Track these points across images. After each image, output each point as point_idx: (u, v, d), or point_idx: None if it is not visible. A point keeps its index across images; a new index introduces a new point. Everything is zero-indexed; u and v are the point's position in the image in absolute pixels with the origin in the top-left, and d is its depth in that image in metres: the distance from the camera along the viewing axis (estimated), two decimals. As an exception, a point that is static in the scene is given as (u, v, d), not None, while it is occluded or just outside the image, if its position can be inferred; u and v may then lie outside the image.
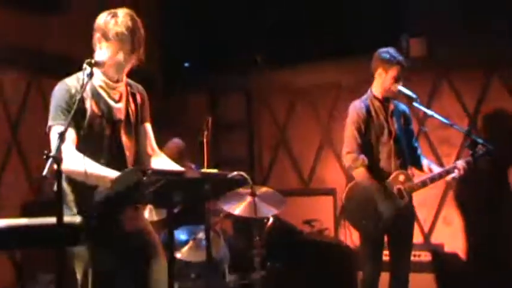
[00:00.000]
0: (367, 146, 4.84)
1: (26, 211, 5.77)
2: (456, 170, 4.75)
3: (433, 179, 4.82)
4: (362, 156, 4.79)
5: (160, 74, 7.72)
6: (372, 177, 4.77)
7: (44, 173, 2.57)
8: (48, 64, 6.14)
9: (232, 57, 7.48)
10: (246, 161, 7.67)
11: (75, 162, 3.06)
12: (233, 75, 7.62)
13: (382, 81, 4.87)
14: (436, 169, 4.92)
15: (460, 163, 4.77)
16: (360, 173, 4.80)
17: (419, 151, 5.11)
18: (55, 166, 2.67)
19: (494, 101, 6.60)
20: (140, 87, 3.56)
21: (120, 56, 3.28)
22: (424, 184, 4.82)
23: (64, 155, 2.75)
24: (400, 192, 4.80)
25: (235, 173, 3.08)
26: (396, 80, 4.83)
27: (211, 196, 3.37)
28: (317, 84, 7.31)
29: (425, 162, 5.06)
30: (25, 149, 6.19)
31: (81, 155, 3.10)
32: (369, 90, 4.97)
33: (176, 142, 6.16)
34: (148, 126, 3.56)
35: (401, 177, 4.83)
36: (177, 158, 5.66)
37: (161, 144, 5.59)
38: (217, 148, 7.71)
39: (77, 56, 3.39)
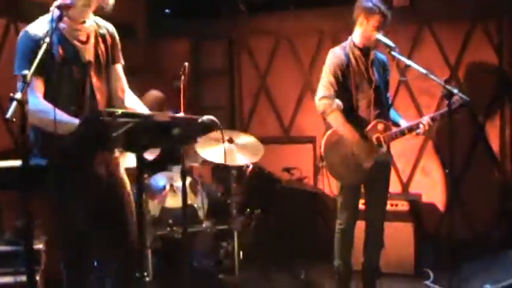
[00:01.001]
0: (346, 94, 4.80)
1: (4, 158, 5.74)
2: (421, 125, 4.76)
3: (410, 129, 4.82)
4: (337, 101, 4.74)
5: (142, 20, 7.61)
6: (347, 122, 4.77)
7: (8, 115, 2.54)
8: (26, 9, 6.04)
9: (215, 4, 7.40)
10: (227, 108, 7.65)
11: (42, 110, 3.04)
12: (215, 22, 7.55)
13: (363, 30, 4.82)
14: (403, 124, 4.91)
15: (426, 119, 4.77)
16: (335, 118, 4.75)
17: (389, 102, 5.10)
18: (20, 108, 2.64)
19: (476, 53, 6.60)
20: (110, 26, 3.51)
21: (74, 2, 3.20)
22: (402, 133, 4.82)
23: (31, 105, 2.74)
24: (379, 141, 4.80)
25: (205, 117, 3.07)
26: (377, 29, 4.78)
27: (182, 141, 3.35)
28: (299, 31, 7.25)
29: (394, 115, 5.05)
30: (2, 95, 6.12)
31: (47, 103, 3.08)
32: (349, 38, 4.93)
33: (155, 94, 6.09)
34: (119, 67, 3.53)
35: (380, 126, 4.82)
36: (156, 109, 5.65)
37: (142, 93, 5.58)
38: (198, 95, 7.70)
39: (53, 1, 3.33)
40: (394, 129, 4.84)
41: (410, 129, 4.82)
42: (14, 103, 2.58)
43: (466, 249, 5.85)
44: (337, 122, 4.77)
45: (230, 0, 7.36)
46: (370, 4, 4.78)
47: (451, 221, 5.37)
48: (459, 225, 6.22)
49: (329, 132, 4.85)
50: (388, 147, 4.88)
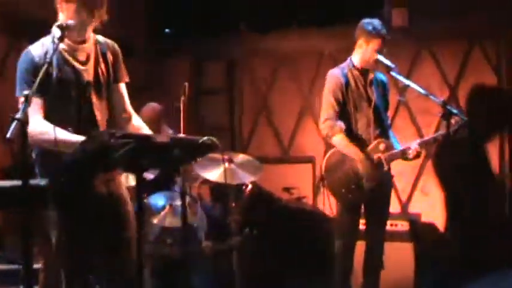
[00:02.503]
0: (345, 115, 4.83)
1: (4, 176, 5.75)
2: (410, 151, 4.78)
3: (403, 152, 4.83)
4: (339, 123, 4.78)
5: (142, 40, 7.65)
6: (351, 142, 4.78)
7: (8, 135, 2.55)
8: (28, 27, 6.07)
9: (215, 24, 7.44)
10: (226, 128, 7.66)
11: (43, 130, 3.05)
12: (216, 42, 7.58)
13: (362, 52, 4.86)
14: (397, 147, 4.92)
15: (414, 145, 4.79)
16: (338, 140, 4.79)
17: (387, 123, 5.11)
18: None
19: (475, 72, 6.64)
20: (112, 44, 3.47)
21: (82, 16, 3.21)
22: (404, 153, 4.83)
23: (31, 125, 2.75)
24: (380, 161, 4.81)
25: (205, 138, 3.08)
26: (377, 52, 4.81)
27: (182, 161, 3.36)
28: (299, 51, 7.29)
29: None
30: (3, 114, 6.15)
31: (48, 123, 3.09)
32: (348, 59, 4.96)
33: (153, 106, 6.10)
34: (122, 87, 3.49)
35: (382, 146, 4.83)
36: (154, 122, 5.65)
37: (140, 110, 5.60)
38: (198, 115, 7.71)
39: (55, 19, 3.33)
40: (396, 150, 4.85)
41: (403, 153, 4.83)
42: (15, 123, 2.59)
43: (467, 269, 5.83)
44: (341, 144, 4.80)
45: (231, 19, 7.40)
46: (370, 27, 4.81)
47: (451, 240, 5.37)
48: (459, 244, 6.20)
49: (330, 152, 4.87)
50: (389, 167, 4.89)
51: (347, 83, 4.84)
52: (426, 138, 4.85)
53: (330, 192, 4.90)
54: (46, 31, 3.37)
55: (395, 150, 4.83)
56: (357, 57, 4.91)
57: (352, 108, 4.84)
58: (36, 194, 2.69)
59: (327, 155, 4.91)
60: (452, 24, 6.56)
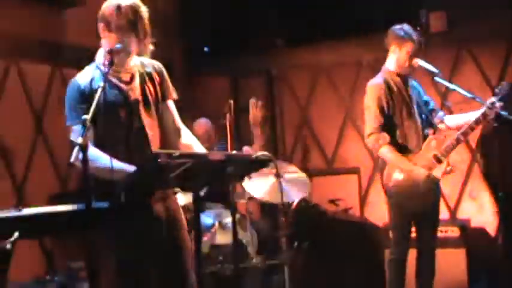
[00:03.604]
0: (391, 122, 4.81)
1: (53, 202, 5.83)
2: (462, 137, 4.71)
3: (465, 134, 4.75)
4: (383, 134, 4.75)
5: (181, 59, 7.73)
6: (398, 152, 4.75)
7: (72, 159, 2.59)
8: (70, 55, 6.20)
9: (253, 39, 7.47)
10: (269, 143, 7.67)
11: (93, 159, 3.08)
12: (253, 58, 7.62)
13: (396, 58, 4.84)
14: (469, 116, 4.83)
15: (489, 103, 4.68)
16: (385, 153, 4.77)
17: (432, 105, 5.05)
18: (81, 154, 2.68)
19: (517, 73, 6.56)
20: (157, 64, 3.51)
21: (125, 46, 3.26)
22: (458, 141, 4.76)
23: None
24: (437, 158, 4.75)
25: (259, 153, 3.09)
26: (411, 56, 4.79)
27: (236, 177, 3.38)
28: (338, 62, 7.30)
29: (449, 119, 5.00)
30: (50, 140, 6.26)
31: (98, 151, 3.14)
32: (383, 67, 4.94)
33: (203, 123, 6.18)
34: (170, 104, 3.52)
35: (434, 143, 4.80)
36: (204, 139, 5.71)
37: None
38: (240, 131, 7.74)
39: (96, 46, 3.40)
40: (449, 140, 4.78)
41: (466, 134, 4.73)
42: (76, 148, 2.63)
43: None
44: (388, 155, 4.78)
45: (267, 35, 7.43)
46: (401, 32, 4.81)
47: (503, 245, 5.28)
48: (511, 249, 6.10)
49: (398, 180, 4.79)
50: (448, 162, 4.80)
51: (390, 90, 4.82)
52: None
53: (389, 203, 4.85)
54: (88, 58, 3.45)
55: (448, 142, 4.77)
56: (392, 63, 4.89)
57: (398, 115, 4.81)
58: (99, 217, 2.72)
59: (387, 167, 4.83)
60: (491, 25, 6.49)
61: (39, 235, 3.95)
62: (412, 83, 4.98)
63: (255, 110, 5.76)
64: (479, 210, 6.69)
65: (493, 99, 4.66)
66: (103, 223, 2.87)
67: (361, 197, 7.10)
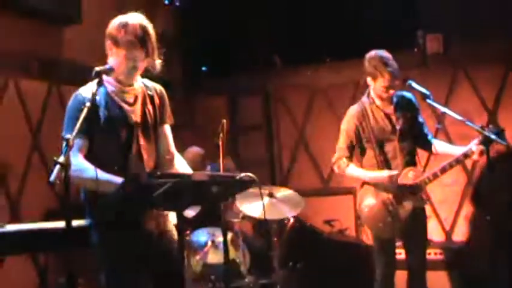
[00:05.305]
0: (369, 151, 4.83)
1: (50, 218, 5.84)
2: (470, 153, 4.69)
3: (443, 170, 4.75)
4: (343, 159, 4.82)
5: (180, 79, 7.77)
6: (363, 167, 4.80)
7: (51, 178, 2.61)
8: (67, 72, 6.26)
9: (250, 60, 7.52)
10: (266, 162, 7.69)
11: (81, 168, 3.11)
12: (250, 77, 7.66)
13: (373, 89, 4.82)
14: (456, 151, 4.81)
15: (473, 147, 4.68)
16: (351, 171, 4.82)
17: (429, 136, 5.02)
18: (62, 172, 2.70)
19: (513, 95, 6.56)
20: (159, 87, 3.56)
21: (132, 63, 3.31)
22: (435, 176, 4.76)
23: (72, 166, 2.80)
24: (412, 190, 4.76)
25: (243, 174, 3.10)
26: (387, 88, 4.72)
27: (221, 198, 3.39)
28: (334, 83, 7.33)
29: (438, 144, 4.97)
30: (47, 156, 6.28)
31: (86, 162, 3.15)
32: (366, 93, 4.92)
33: (194, 151, 6.19)
34: (167, 128, 3.57)
35: (411, 174, 4.78)
36: (197, 165, 5.73)
37: (180, 150, 5.68)
38: (237, 150, 7.76)
39: (93, 63, 3.41)
40: (426, 174, 4.79)
41: (443, 171, 4.73)
42: (57, 166, 2.65)
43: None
44: (355, 172, 4.83)
45: (264, 54, 7.47)
46: (373, 65, 4.73)
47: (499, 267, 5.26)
48: (506, 272, 6.08)
49: (361, 190, 4.87)
50: (421, 196, 4.82)
51: (364, 121, 4.80)
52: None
53: (366, 227, 4.90)
54: (85, 76, 3.48)
55: (425, 176, 4.76)
56: (372, 92, 4.87)
57: (374, 143, 4.79)
58: (80, 235, 2.74)
59: (360, 192, 4.90)
60: (488, 47, 6.51)
61: (23, 251, 3.94)
62: (403, 96, 4.93)
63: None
64: (475, 233, 6.66)
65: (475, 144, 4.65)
66: (86, 241, 2.88)
67: (356, 217, 7.07)
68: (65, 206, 2.64)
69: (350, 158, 4.85)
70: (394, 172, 4.71)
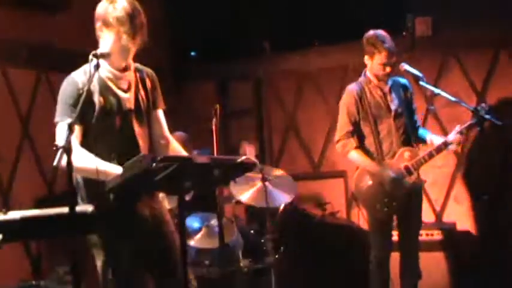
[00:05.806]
0: (364, 129, 4.89)
1: (40, 205, 5.81)
2: (450, 146, 4.76)
3: (439, 150, 4.81)
4: (350, 140, 4.86)
5: (168, 64, 7.74)
6: (367, 156, 4.84)
7: (55, 163, 2.60)
8: (56, 59, 6.21)
9: (239, 45, 7.49)
10: (256, 147, 7.68)
11: (80, 159, 3.09)
12: (240, 63, 7.64)
13: (370, 67, 4.90)
14: (434, 139, 4.89)
15: (452, 136, 4.76)
16: (354, 156, 4.89)
17: (417, 125, 5.10)
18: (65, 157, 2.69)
19: (502, 78, 6.58)
20: (150, 71, 3.55)
21: (124, 41, 3.28)
22: (430, 156, 4.82)
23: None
24: (408, 169, 4.81)
25: (244, 157, 3.11)
26: (385, 64, 4.81)
27: (221, 181, 3.40)
28: (324, 67, 7.32)
29: (425, 135, 5.03)
30: (37, 144, 6.25)
31: (86, 151, 3.14)
32: (363, 73, 4.99)
33: (178, 135, 6.16)
34: (160, 113, 3.56)
35: (407, 154, 4.85)
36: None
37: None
38: (227, 135, 7.75)
39: (83, 50, 3.36)
40: (422, 154, 4.83)
41: (439, 150, 4.80)
42: (60, 151, 2.63)
43: (508, 278, 5.78)
44: (357, 159, 4.88)
45: (254, 39, 7.45)
46: (371, 42, 4.83)
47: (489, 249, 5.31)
48: (497, 252, 6.15)
49: (358, 171, 4.92)
50: (418, 174, 4.88)
51: (362, 98, 4.86)
52: (463, 126, 4.79)
53: (365, 209, 4.95)
54: (75, 61, 3.45)
55: (420, 156, 4.82)
56: (368, 71, 4.94)
57: (372, 121, 4.85)
58: (84, 220, 2.73)
59: (356, 173, 4.95)
60: (477, 30, 6.53)
61: (25, 238, 3.93)
62: (397, 80, 5.00)
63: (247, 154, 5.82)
64: (465, 214, 6.71)
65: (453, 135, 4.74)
66: (89, 226, 2.87)
67: (348, 200, 7.11)
68: (69, 192, 2.62)
69: (356, 139, 4.87)
70: (397, 176, 4.74)
